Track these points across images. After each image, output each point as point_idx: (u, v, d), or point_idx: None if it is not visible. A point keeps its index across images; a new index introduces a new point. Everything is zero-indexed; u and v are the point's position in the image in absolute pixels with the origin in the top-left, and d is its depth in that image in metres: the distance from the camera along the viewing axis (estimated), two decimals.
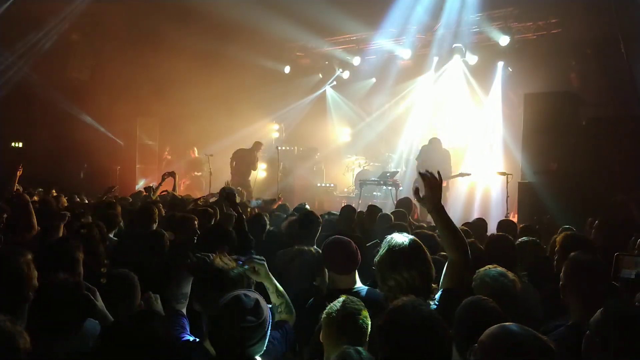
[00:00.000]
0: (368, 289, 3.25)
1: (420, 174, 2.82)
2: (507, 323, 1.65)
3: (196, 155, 14.71)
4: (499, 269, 3.19)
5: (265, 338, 2.12)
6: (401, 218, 6.01)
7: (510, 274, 3.18)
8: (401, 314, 1.90)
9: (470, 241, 4.85)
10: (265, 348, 2.17)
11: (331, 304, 2.50)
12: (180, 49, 13.25)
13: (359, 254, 3.31)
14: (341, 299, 2.49)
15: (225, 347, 2.06)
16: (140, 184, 13.66)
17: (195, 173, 14.69)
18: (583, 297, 2.64)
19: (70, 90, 13.04)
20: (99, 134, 13.38)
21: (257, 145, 12.68)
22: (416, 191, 2.84)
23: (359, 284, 3.29)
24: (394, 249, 2.53)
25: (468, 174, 11.12)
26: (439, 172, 2.79)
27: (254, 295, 2.15)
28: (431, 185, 2.69)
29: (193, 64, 13.66)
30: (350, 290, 3.16)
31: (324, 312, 2.51)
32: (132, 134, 14.29)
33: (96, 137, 13.20)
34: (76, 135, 12.70)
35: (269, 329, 2.15)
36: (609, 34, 9.40)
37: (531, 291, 3.99)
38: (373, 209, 6.60)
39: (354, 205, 11.88)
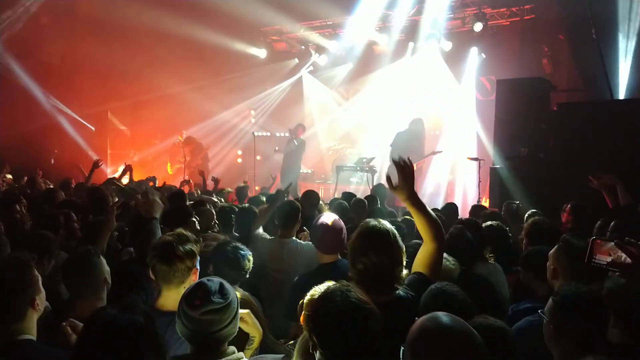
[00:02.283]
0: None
1: (393, 161, 2.80)
2: (438, 312, 1.63)
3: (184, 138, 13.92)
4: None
5: (236, 320, 2.16)
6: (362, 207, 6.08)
7: (451, 258, 3.23)
8: (329, 300, 1.89)
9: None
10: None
11: (315, 288, 2.52)
12: (154, 33, 13.01)
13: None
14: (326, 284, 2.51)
15: (195, 333, 2.07)
16: (120, 171, 13.41)
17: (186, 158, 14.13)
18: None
19: (40, 75, 12.69)
20: (70, 119, 13.11)
21: (294, 130, 11.70)
22: (388, 179, 2.81)
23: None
24: (364, 234, 2.54)
25: (439, 152, 11.16)
26: (409, 159, 2.77)
27: (217, 279, 2.20)
28: (404, 173, 2.69)
29: (167, 48, 13.46)
30: (334, 264, 3.47)
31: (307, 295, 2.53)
32: (103, 119, 14.05)
33: (67, 123, 12.96)
34: (46, 121, 12.45)
35: (238, 309, 2.18)
36: (581, 20, 9.45)
37: (499, 273, 4.05)
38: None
39: (330, 192, 12.05)
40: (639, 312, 2.15)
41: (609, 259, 2.29)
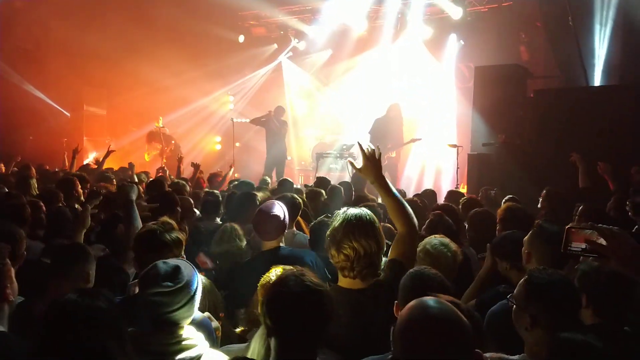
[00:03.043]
0: (291, 249, 3.63)
1: (360, 146, 2.85)
2: (426, 297, 1.64)
3: (160, 126, 13.51)
4: (443, 239, 3.26)
5: (193, 303, 2.15)
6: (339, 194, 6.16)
7: (453, 245, 3.24)
8: (283, 285, 1.93)
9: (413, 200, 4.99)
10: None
11: (267, 274, 2.55)
12: (130, 17, 12.80)
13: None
14: (277, 269, 2.53)
15: (147, 313, 2.12)
16: (91, 157, 13.25)
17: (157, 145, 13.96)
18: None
19: (15, 60, 12.44)
20: (45, 105, 12.88)
21: (274, 112, 11.49)
22: (352, 163, 2.90)
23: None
24: (351, 219, 2.55)
25: (419, 139, 11.25)
26: (377, 147, 2.84)
27: (176, 262, 2.18)
28: (369, 157, 2.76)
29: (143, 33, 13.23)
30: (275, 250, 3.47)
31: (260, 282, 2.55)
32: (79, 105, 13.79)
33: (42, 108, 12.72)
34: (21, 106, 12.20)
35: (197, 294, 2.18)
36: (558, 8, 9.54)
37: (474, 258, 4.10)
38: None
39: (310, 178, 12.04)
40: (610, 293, 2.21)
41: (584, 246, 2.34)
